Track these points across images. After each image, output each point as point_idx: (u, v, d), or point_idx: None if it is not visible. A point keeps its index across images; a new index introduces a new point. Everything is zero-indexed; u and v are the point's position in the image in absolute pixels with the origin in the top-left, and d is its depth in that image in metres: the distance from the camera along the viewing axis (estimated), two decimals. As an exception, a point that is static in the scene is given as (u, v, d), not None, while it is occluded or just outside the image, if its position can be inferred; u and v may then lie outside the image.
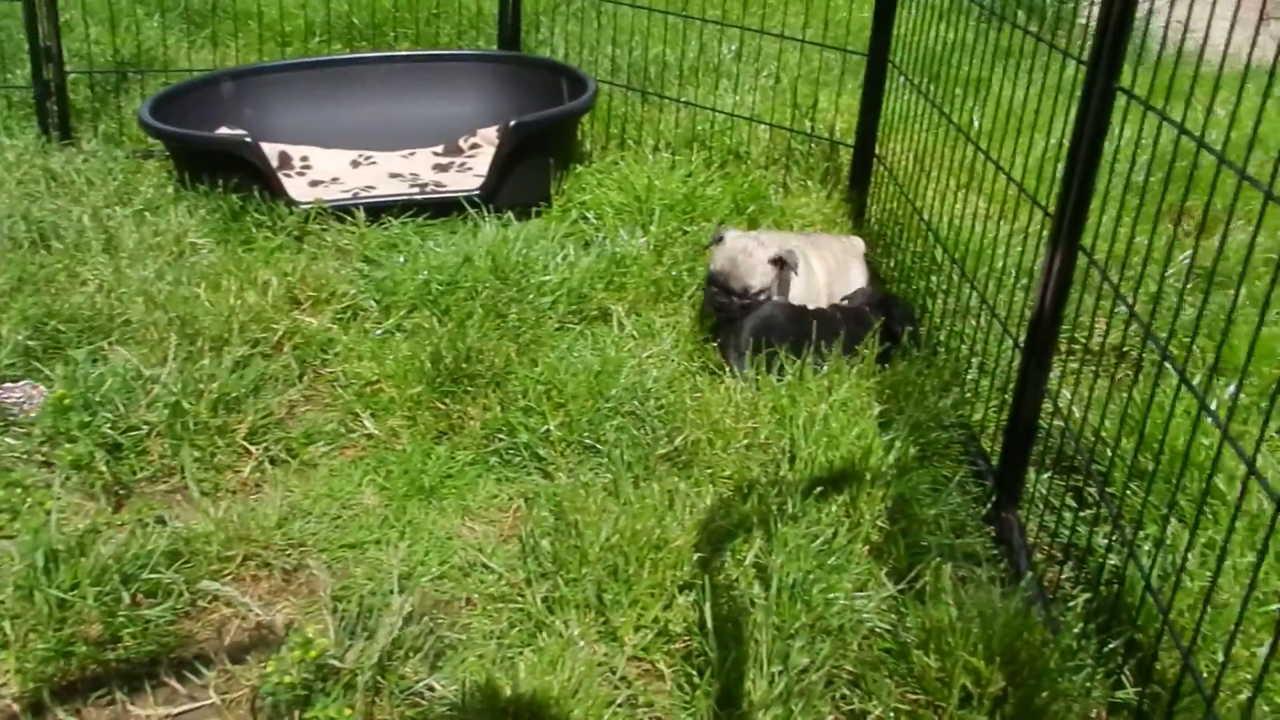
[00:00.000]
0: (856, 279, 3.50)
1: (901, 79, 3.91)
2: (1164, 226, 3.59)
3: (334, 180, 4.46)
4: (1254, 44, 1.78)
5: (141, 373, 2.89)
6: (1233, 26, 2.00)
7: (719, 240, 3.27)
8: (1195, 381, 2.93)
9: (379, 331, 3.33)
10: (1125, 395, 2.50)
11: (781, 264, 3.19)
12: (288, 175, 4.43)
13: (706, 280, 3.28)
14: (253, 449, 2.79)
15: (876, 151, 4.25)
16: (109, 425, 2.73)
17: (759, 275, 3.15)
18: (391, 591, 2.26)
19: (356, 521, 2.61)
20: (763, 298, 3.16)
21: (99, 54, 5.39)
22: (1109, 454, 2.63)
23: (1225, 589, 2.23)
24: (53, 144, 4.47)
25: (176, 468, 2.73)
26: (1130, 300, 2.13)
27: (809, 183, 4.49)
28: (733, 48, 5.85)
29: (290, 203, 3.95)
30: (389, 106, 4.89)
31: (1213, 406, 2.79)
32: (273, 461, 2.78)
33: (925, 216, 3.52)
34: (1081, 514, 2.52)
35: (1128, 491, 2.52)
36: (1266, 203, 1.52)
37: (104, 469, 2.65)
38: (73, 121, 4.75)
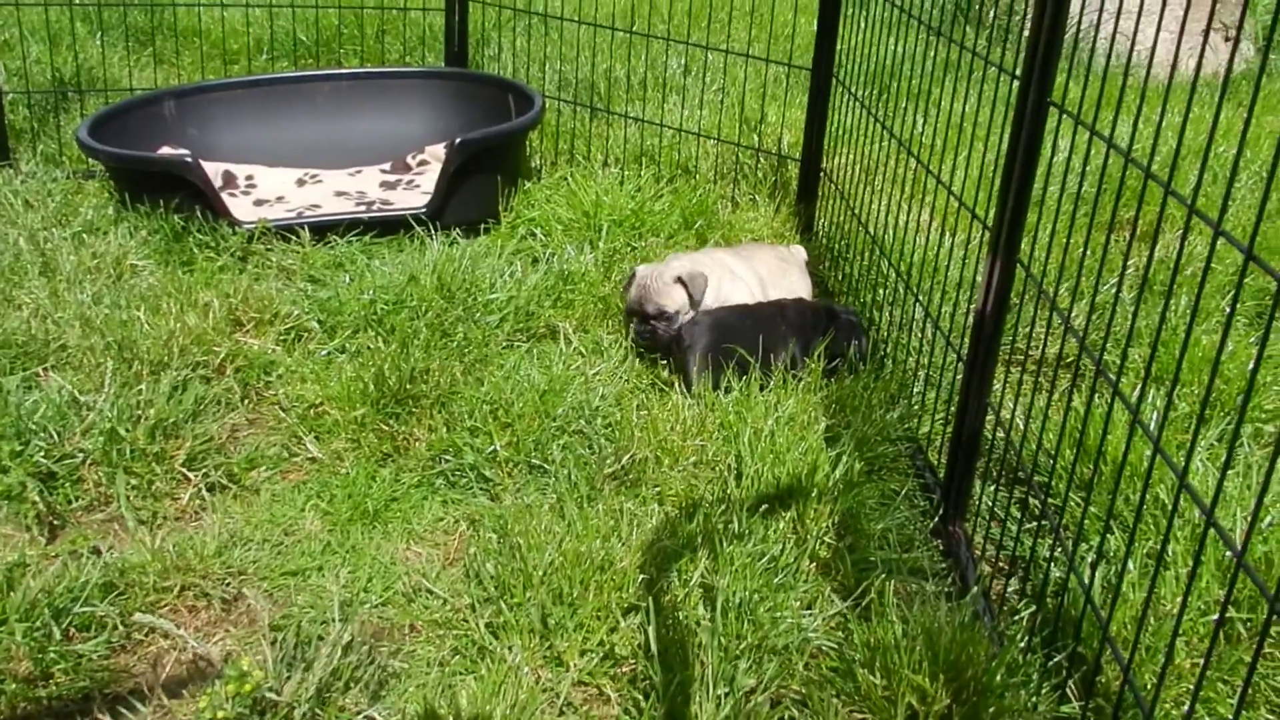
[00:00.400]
0: (797, 285, 3.51)
1: (846, 94, 3.93)
2: (1103, 236, 3.64)
3: (279, 199, 4.41)
4: (1175, 57, 1.79)
5: (77, 399, 2.83)
6: (1160, 33, 2.02)
7: (631, 277, 3.33)
8: (1135, 392, 2.96)
9: (323, 353, 3.28)
10: (1066, 405, 2.52)
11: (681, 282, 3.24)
12: (232, 194, 4.37)
13: (625, 316, 3.33)
14: (191, 475, 2.73)
15: (823, 165, 4.27)
16: (42, 454, 2.66)
17: (669, 296, 3.22)
18: (332, 620, 2.22)
19: (299, 548, 2.56)
20: (683, 316, 3.19)
21: (39, 73, 5.29)
22: (1051, 464, 2.64)
23: (1168, 599, 2.25)
24: (-11, 165, 4.38)
25: (113, 496, 2.67)
26: (1069, 311, 2.15)
27: (757, 197, 4.50)
28: (682, 63, 5.87)
29: (234, 223, 3.90)
30: (336, 124, 4.85)
31: (1154, 416, 2.82)
32: (212, 488, 2.73)
33: (870, 229, 3.54)
34: (1026, 526, 2.53)
35: (1071, 502, 2.53)
36: (1190, 217, 1.53)
37: (37, 499, 2.58)
38: (10, 142, 4.66)
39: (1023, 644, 2.10)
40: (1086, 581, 2.01)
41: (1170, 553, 2.34)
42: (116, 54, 5.68)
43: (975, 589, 2.27)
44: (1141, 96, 1.89)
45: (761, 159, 4.68)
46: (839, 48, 4.06)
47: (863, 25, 3.69)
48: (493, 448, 2.79)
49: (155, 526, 2.59)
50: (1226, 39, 6.85)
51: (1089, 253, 2.15)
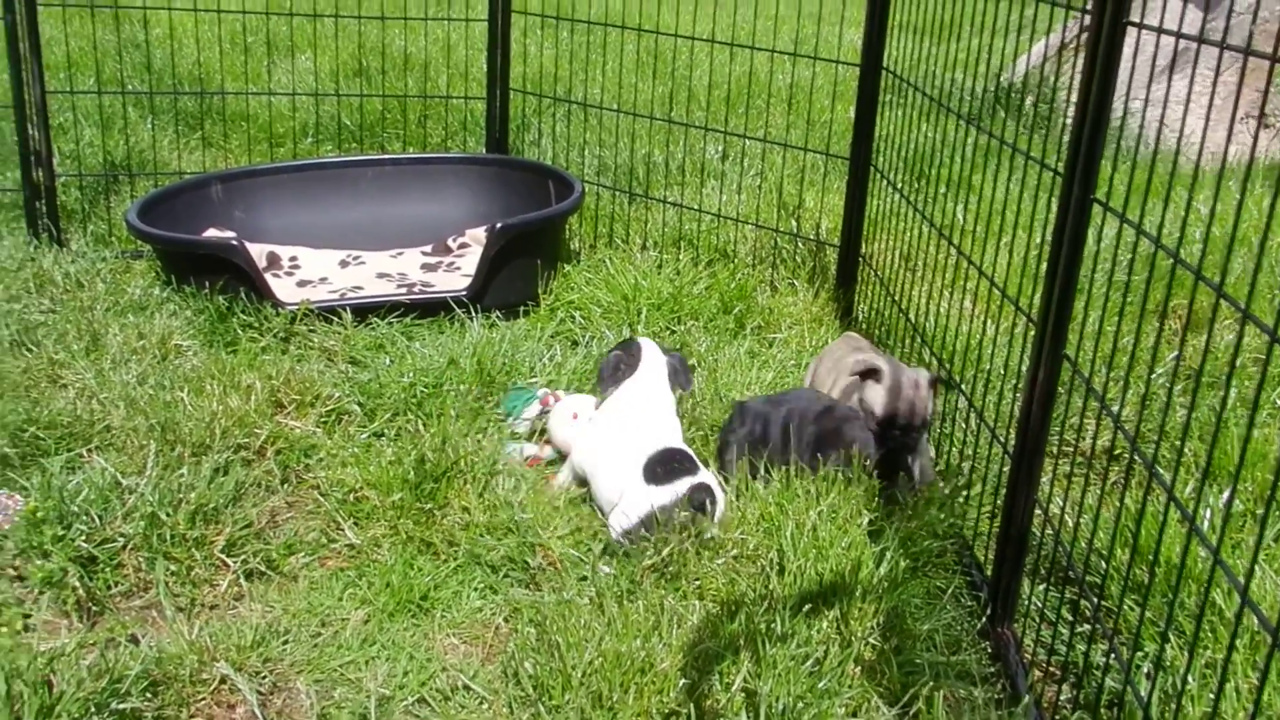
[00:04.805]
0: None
1: (884, 181, 3.94)
2: (1151, 326, 3.59)
3: (322, 280, 4.46)
4: (1228, 141, 1.78)
5: (119, 482, 2.84)
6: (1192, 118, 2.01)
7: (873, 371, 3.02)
8: (1188, 488, 2.89)
9: (363, 436, 3.29)
10: (1118, 503, 2.46)
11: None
12: (276, 275, 4.43)
13: (877, 424, 2.98)
14: (230, 562, 2.72)
15: (862, 250, 4.27)
16: (83, 538, 2.67)
17: (931, 401, 2.97)
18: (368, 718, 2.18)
19: (336, 640, 2.53)
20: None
21: (90, 155, 5.43)
22: (1104, 565, 2.57)
23: (1231, 716, 2.16)
24: (41, 245, 4.47)
25: (152, 582, 2.66)
26: (1119, 403, 2.10)
27: (796, 282, 4.50)
28: (720, 149, 5.93)
29: (277, 304, 3.94)
30: (378, 207, 4.93)
31: (1206, 514, 2.75)
32: (250, 575, 2.71)
33: (911, 316, 3.52)
34: (1079, 629, 2.45)
35: (1126, 606, 2.46)
36: (1245, 322, 1.50)
37: (77, 584, 2.58)
38: (62, 223, 4.77)
39: (1078, 757, 2.03)
40: (1144, 694, 1.94)
41: (1234, 663, 2.26)
42: (166, 137, 5.83)
43: (1027, 698, 2.20)
44: (1193, 184, 1.88)
45: (800, 244, 4.70)
46: (877, 134, 4.08)
47: (900, 114, 3.72)
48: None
49: (193, 615, 2.58)
50: (1266, 126, 6.83)
51: (1137, 342, 2.10)
